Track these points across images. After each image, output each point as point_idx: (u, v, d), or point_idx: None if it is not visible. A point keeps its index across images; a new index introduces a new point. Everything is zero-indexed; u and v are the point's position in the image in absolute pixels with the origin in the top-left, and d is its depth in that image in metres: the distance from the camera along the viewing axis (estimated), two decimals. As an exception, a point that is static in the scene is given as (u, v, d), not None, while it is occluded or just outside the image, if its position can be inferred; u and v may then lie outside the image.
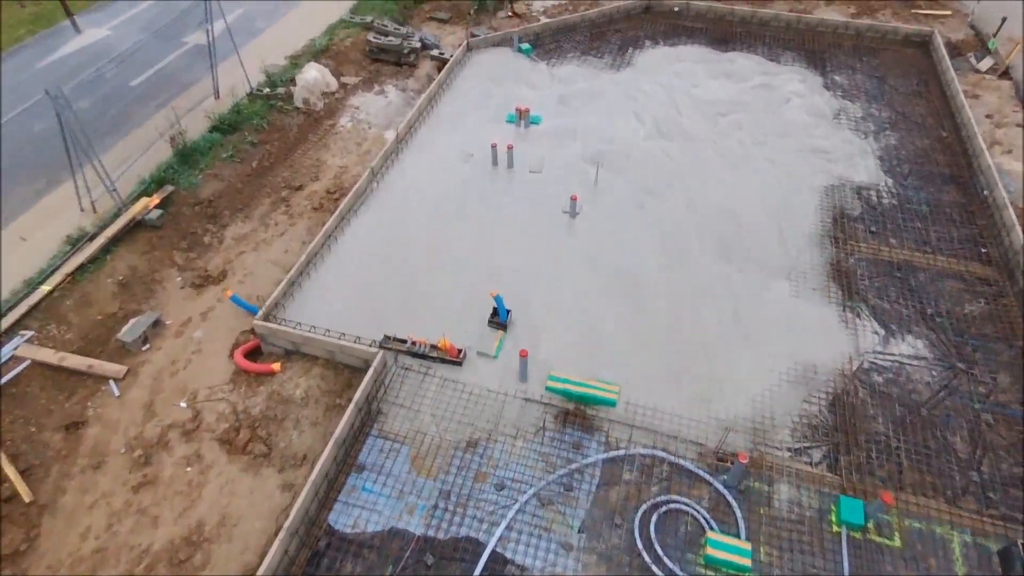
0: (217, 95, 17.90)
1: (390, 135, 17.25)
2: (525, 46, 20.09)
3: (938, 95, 18.36)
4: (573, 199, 14.11)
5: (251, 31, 21.72)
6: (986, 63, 19.38)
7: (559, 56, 20.23)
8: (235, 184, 15.55)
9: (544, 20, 22.07)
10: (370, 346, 11.54)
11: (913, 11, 22.22)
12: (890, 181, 15.52)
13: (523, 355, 10.89)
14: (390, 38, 19.88)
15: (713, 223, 14.16)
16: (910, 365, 11.65)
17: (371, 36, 19.88)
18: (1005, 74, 19.02)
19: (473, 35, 20.89)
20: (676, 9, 22.11)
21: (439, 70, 19.77)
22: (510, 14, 22.49)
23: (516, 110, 16.92)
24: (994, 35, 19.91)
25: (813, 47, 20.55)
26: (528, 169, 15.63)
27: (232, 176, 15.72)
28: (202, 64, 18.05)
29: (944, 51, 19.38)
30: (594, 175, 15.09)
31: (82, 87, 14.33)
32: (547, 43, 20.83)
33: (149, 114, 17.37)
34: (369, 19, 21.17)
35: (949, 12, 22.02)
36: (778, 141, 16.55)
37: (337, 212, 13.99)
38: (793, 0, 23.01)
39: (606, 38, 21.15)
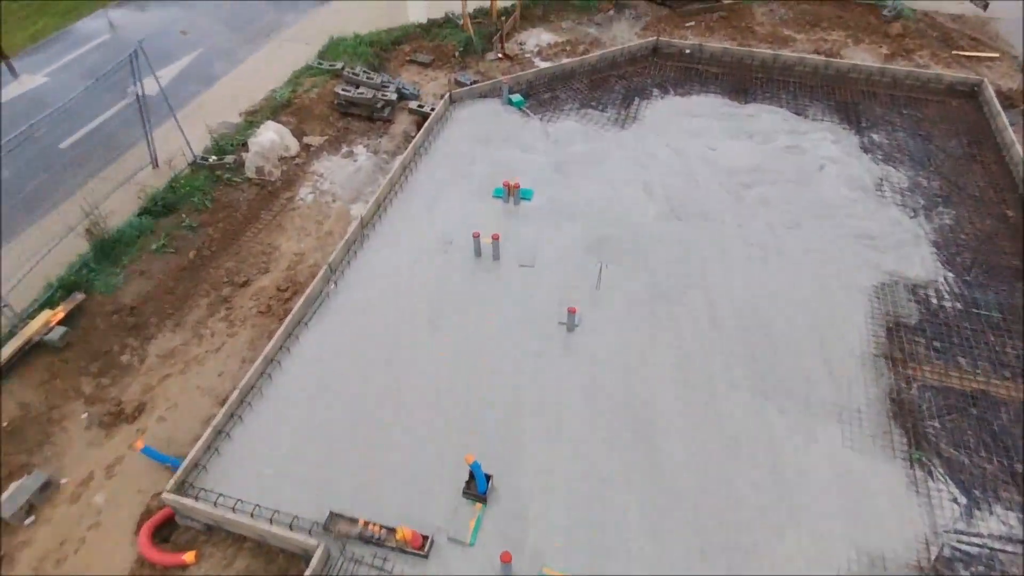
0: (155, 163, 15.36)
1: (357, 210, 14.74)
2: (516, 98, 17.58)
3: (994, 160, 15.82)
4: (571, 312, 11.56)
5: (206, 78, 19.24)
6: (1046, 119, 16.86)
7: (555, 109, 17.71)
8: (166, 282, 12.99)
9: (538, 64, 19.58)
10: (310, 532, 8.98)
11: (955, 53, 19.72)
12: (950, 276, 12.97)
13: (505, 560, 8.32)
14: (361, 90, 17.36)
15: (742, 339, 11.61)
16: (1004, 552, 9.09)
17: (340, 88, 17.35)
18: (1070, 133, 16.49)
19: (458, 83, 18.41)
20: (687, 52, 19.60)
21: (418, 126, 17.26)
22: (500, 56, 20.00)
23: (504, 185, 14.39)
24: (1053, 84, 17.42)
25: (844, 97, 18.03)
26: (518, 262, 13.09)
27: (163, 272, 13.16)
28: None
29: (998, 105, 16.85)
30: (597, 274, 12.56)
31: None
32: (541, 92, 18.31)
33: (76, 186, 14.81)
34: (339, 65, 18.65)
35: (997, 55, 19.52)
36: (814, 223, 14.01)
37: (282, 328, 11.44)
38: (818, 40, 20.52)
39: (609, 86, 18.63)
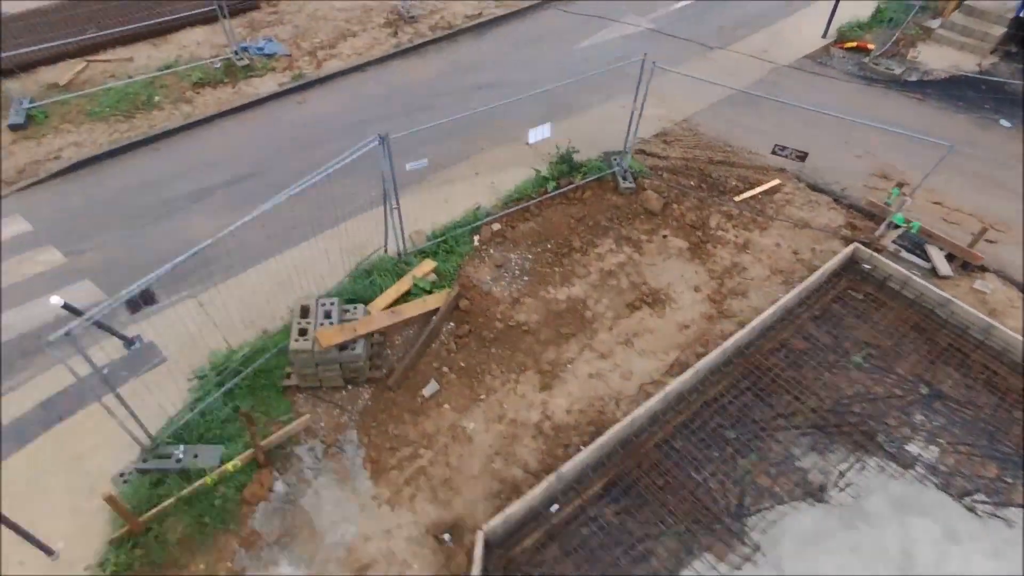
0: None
1: None
2: None
3: (1011, 382, 10.82)
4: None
5: None
6: (940, 260, 12.60)
7: None
8: None
9: None
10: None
11: (739, 200, 13.94)
12: None
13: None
14: None
15: None
16: None
17: None
18: (975, 267, 12.60)
19: None
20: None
21: None
22: None
23: None
24: (889, 200, 13.16)
25: (794, 395, 10.53)
26: None
27: None
28: None
29: (918, 279, 11.78)
30: None
31: None
32: None
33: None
34: None
35: (777, 181, 14.44)
36: None
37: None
38: (603, 277, 12.05)
39: None
